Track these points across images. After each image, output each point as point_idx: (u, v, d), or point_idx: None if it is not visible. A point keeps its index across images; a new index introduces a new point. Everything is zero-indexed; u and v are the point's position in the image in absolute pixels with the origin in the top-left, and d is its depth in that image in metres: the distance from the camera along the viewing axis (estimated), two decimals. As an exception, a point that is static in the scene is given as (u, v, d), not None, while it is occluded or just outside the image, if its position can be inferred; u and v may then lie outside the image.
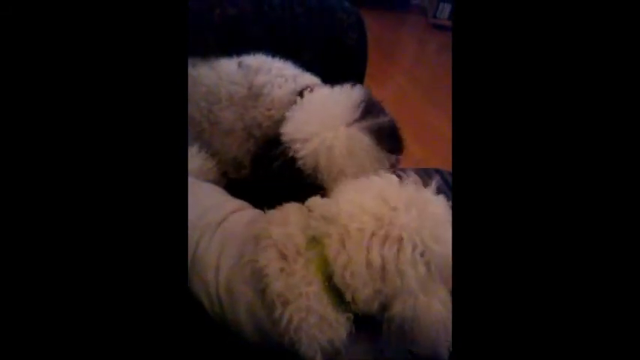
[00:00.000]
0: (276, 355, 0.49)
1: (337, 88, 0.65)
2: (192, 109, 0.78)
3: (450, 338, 0.42)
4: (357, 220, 0.43)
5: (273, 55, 0.79)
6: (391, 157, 0.60)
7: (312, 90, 0.67)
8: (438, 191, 0.47)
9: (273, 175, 0.60)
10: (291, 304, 0.44)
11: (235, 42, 0.82)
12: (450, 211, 0.45)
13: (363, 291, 0.42)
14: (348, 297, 0.43)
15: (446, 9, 3.07)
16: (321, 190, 0.58)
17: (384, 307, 0.43)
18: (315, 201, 0.50)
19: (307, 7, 0.88)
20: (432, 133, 1.82)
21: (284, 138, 0.60)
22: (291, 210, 0.52)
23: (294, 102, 0.66)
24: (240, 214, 0.57)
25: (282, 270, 0.45)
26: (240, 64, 0.77)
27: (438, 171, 0.90)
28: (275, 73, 0.74)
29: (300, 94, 0.67)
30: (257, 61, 0.77)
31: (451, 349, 0.43)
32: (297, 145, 0.58)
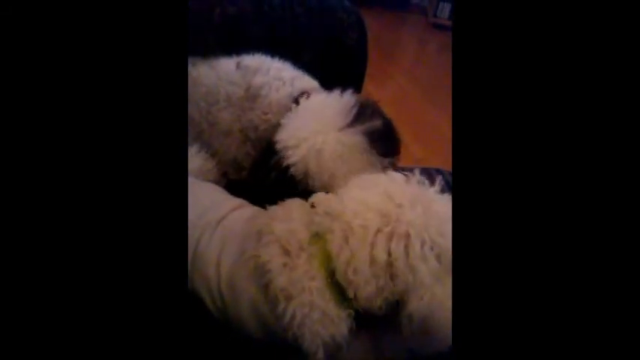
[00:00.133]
0: (278, 351, 0.49)
1: (331, 94, 0.65)
2: (191, 110, 0.78)
3: None
4: (361, 216, 0.43)
5: (273, 55, 0.79)
6: (384, 160, 0.60)
7: (308, 96, 0.67)
8: (442, 191, 0.47)
9: (271, 184, 0.61)
10: (295, 300, 0.44)
11: (235, 42, 0.82)
12: None
13: (365, 288, 0.42)
14: (351, 293, 0.43)
15: (446, 8, 3.07)
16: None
17: (392, 304, 0.43)
18: (319, 197, 0.50)
19: (307, 6, 0.88)
20: (432, 133, 1.82)
21: (278, 146, 0.61)
22: (293, 206, 0.52)
23: (290, 108, 0.66)
24: (239, 211, 0.57)
25: (285, 265, 0.45)
26: (238, 65, 0.77)
27: (439, 171, 0.90)
28: (273, 75, 0.74)
29: (296, 100, 0.67)
30: (256, 61, 0.77)
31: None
32: (288, 152, 0.59)
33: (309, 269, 0.45)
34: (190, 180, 0.62)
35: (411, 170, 0.49)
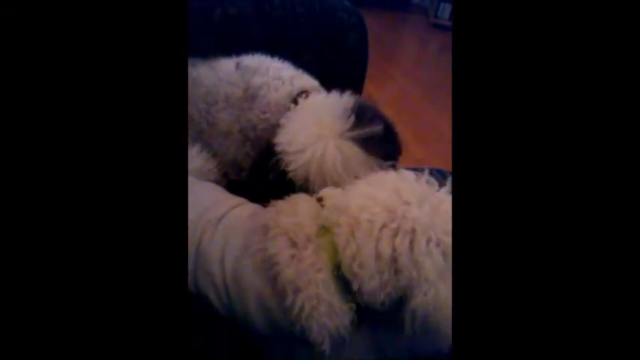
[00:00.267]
0: (283, 345, 0.49)
1: (330, 96, 0.65)
2: (192, 110, 0.78)
3: None
4: (368, 211, 0.44)
5: (273, 56, 0.79)
6: (384, 163, 0.60)
7: (307, 96, 0.67)
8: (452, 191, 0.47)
9: (269, 185, 0.61)
10: (302, 292, 0.44)
11: (236, 42, 0.82)
12: None
13: (369, 282, 0.42)
14: (355, 287, 0.43)
15: (447, 9, 3.08)
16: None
17: (395, 301, 0.43)
18: (326, 191, 0.51)
19: (308, 7, 0.89)
20: (432, 133, 1.82)
21: (277, 148, 0.61)
22: (299, 200, 0.52)
23: (289, 107, 0.66)
24: (240, 209, 0.57)
25: (292, 257, 0.45)
26: (238, 65, 0.77)
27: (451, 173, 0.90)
28: (272, 75, 0.74)
29: (295, 100, 0.67)
30: (255, 61, 0.77)
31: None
32: (289, 158, 0.59)
33: (316, 261, 0.45)
34: (191, 180, 0.62)
35: (422, 170, 0.49)
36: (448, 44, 2.78)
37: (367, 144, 0.59)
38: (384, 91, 2.13)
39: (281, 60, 0.78)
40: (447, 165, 0.90)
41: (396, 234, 0.42)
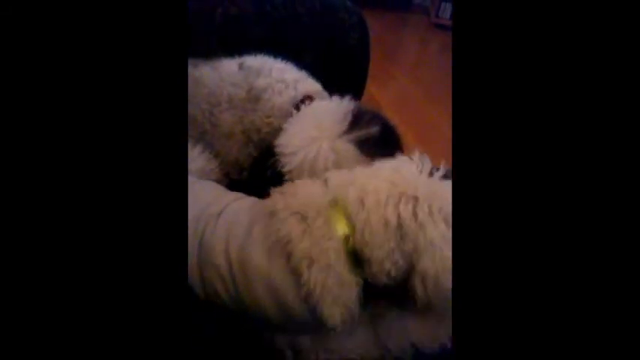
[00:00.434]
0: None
1: (331, 101, 0.67)
2: (194, 111, 0.79)
3: None
4: (373, 183, 0.46)
5: (275, 56, 0.78)
6: None
7: (310, 101, 0.69)
8: (446, 177, 0.48)
9: (267, 182, 0.63)
10: (316, 265, 0.45)
11: (237, 42, 0.82)
12: None
13: (379, 251, 0.44)
14: (367, 254, 0.44)
15: (448, 8, 3.07)
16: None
17: (402, 272, 0.44)
18: (331, 173, 0.53)
19: (309, 7, 0.88)
20: (434, 133, 1.82)
21: (277, 150, 0.63)
22: (304, 183, 0.54)
23: (292, 113, 0.67)
24: (240, 201, 0.58)
25: (304, 232, 0.47)
26: (241, 66, 0.77)
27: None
28: (275, 77, 0.74)
29: (297, 106, 0.68)
30: (258, 62, 0.77)
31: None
32: (285, 159, 0.61)
33: (327, 231, 0.46)
34: (191, 179, 0.63)
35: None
36: (449, 44, 2.77)
37: (363, 145, 0.60)
38: (386, 91, 2.13)
39: (283, 61, 0.78)
40: (448, 164, 0.90)
41: (399, 202, 0.44)
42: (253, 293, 0.49)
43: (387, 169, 0.48)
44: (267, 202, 0.53)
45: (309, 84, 0.76)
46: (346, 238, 0.46)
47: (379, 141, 0.61)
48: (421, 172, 0.47)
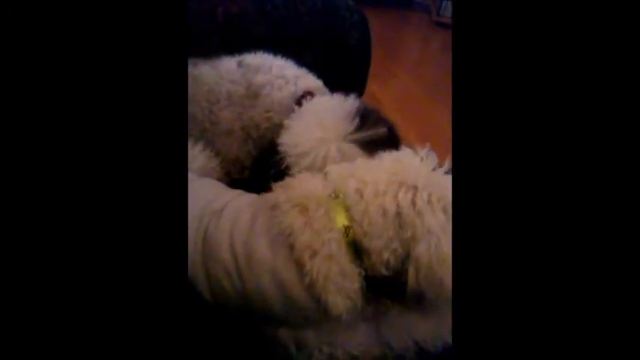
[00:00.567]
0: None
1: (334, 98, 0.66)
2: (194, 109, 0.79)
3: None
4: (372, 174, 0.47)
5: (276, 54, 0.78)
6: None
7: (311, 97, 0.68)
8: (449, 172, 0.49)
9: (269, 181, 0.63)
10: (318, 255, 0.45)
11: (238, 41, 0.82)
12: None
13: (378, 240, 0.44)
14: (366, 245, 0.45)
15: (449, 7, 3.07)
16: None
17: (400, 261, 0.44)
18: (331, 167, 0.54)
19: (310, 5, 0.88)
20: (436, 132, 1.81)
21: (280, 148, 0.62)
22: (304, 177, 0.54)
23: (293, 109, 0.67)
24: (238, 199, 0.58)
25: (305, 223, 0.47)
26: (240, 63, 0.77)
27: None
28: (275, 73, 0.74)
29: (299, 101, 0.68)
30: (258, 59, 0.77)
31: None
32: (291, 160, 0.60)
33: (328, 223, 0.47)
34: (191, 177, 0.63)
35: None
36: (451, 42, 2.77)
37: (370, 147, 0.59)
38: (388, 89, 2.12)
39: (283, 59, 0.78)
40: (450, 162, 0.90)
41: (398, 191, 0.45)
42: (259, 285, 0.50)
43: (388, 160, 0.49)
44: (269, 195, 0.54)
45: (309, 80, 0.75)
46: (346, 230, 0.46)
47: (386, 142, 0.61)
48: (423, 163, 0.47)
